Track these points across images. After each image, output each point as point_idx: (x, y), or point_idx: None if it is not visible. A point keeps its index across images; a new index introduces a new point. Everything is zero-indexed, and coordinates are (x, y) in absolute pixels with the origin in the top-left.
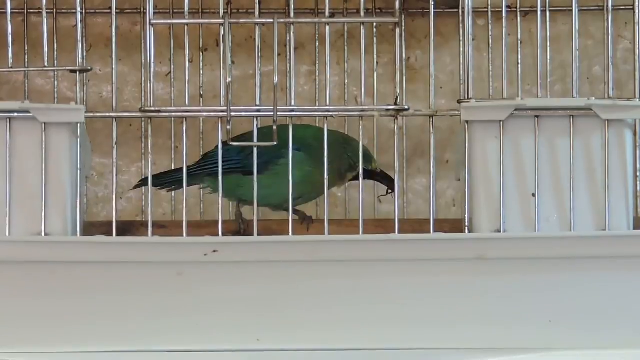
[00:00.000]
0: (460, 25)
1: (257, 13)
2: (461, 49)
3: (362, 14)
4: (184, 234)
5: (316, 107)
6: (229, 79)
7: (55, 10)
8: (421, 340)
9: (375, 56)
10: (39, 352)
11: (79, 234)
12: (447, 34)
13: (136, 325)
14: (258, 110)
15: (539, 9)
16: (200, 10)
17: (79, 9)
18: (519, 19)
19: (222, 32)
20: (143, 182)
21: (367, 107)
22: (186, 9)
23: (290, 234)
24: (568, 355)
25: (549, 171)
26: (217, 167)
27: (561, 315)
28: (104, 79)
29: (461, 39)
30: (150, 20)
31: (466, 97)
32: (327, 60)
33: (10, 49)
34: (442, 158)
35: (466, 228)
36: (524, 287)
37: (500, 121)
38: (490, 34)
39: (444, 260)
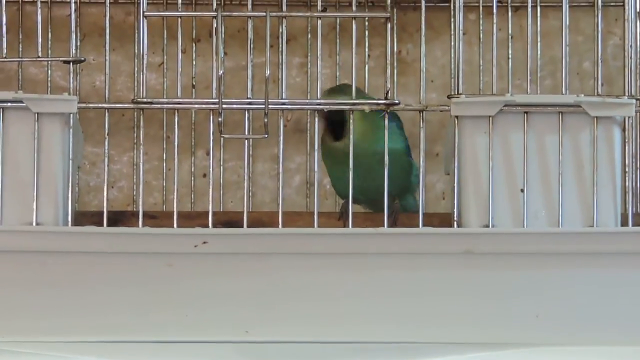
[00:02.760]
0: (452, 20)
1: (249, 6)
2: (452, 44)
3: (354, 7)
4: (175, 225)
5: (308, 100)
6: (221, 72)
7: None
8: (408, 334)
9: (367, 49)
10: (28, 341)
11: (70, 223)
12: (439, 27)
13: (125, 315)
14: (249, 103)
15: (530, 4)
16: (193, 2)
17: None
18: (509, 13)
19: (215, 25)
20: None
21: (357, 101)
22: (179, 0)
23: (280, 226)
24: (555, 350)
25: (538, 167)
26: None
27: (548, 310)
28: (97, 68)
29: (452, 33)
30: (143, 12)
31: (456, 92)
32: (319, 52)
33: (4, 39)
34: (433, 151)
35: (455, 222)
36: (511, 282)
37: (489, 117)
38: (481, 28)
39: (432, 254)
